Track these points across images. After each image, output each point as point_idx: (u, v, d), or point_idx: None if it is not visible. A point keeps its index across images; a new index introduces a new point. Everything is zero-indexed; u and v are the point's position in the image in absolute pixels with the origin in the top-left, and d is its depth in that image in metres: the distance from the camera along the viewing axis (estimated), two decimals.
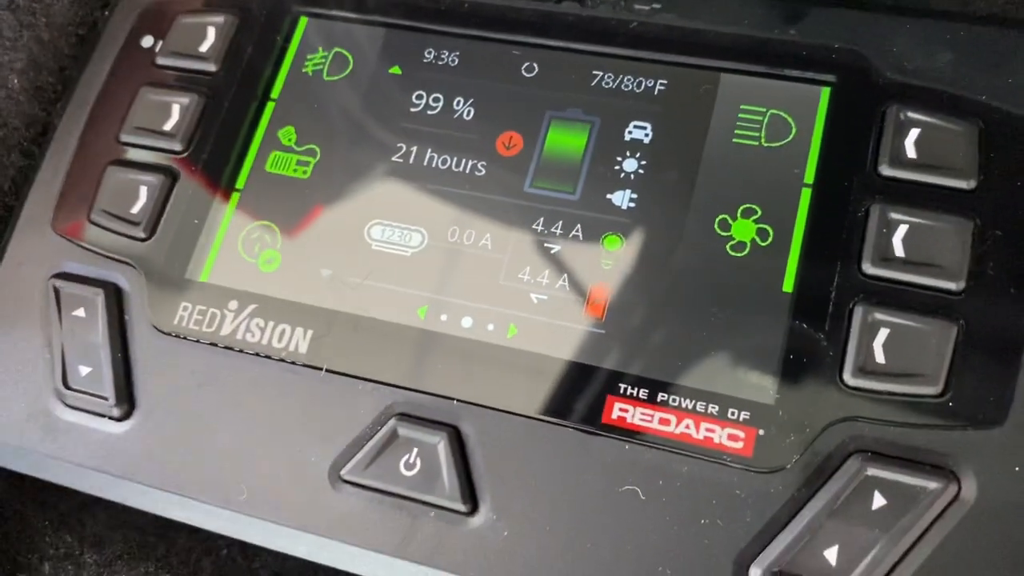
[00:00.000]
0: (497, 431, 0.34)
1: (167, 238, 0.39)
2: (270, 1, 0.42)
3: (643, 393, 0.33)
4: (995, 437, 0.31)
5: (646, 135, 0.37)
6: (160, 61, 0.42)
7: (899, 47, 0.36)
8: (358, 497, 0.34)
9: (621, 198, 0.37)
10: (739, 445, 0.32)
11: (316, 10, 0.42)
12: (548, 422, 0.34)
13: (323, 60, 0.41)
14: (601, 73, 0.39)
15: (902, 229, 0.33)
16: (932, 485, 0.30)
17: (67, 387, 0.37)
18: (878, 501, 0.31)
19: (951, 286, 0.32)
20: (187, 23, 0.42)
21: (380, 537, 0.33)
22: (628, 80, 0.38)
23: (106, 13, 0.44)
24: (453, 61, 0.40)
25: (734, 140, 0.37)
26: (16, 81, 0.42)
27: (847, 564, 0.30)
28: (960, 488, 0.30)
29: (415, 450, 0.34)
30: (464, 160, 0.38)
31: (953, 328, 0.32)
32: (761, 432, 0.32)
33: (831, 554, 0.30)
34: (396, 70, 0.41)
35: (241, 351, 0.37)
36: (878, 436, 0.31)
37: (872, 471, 0.31)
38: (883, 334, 0.32)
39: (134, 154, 0.40)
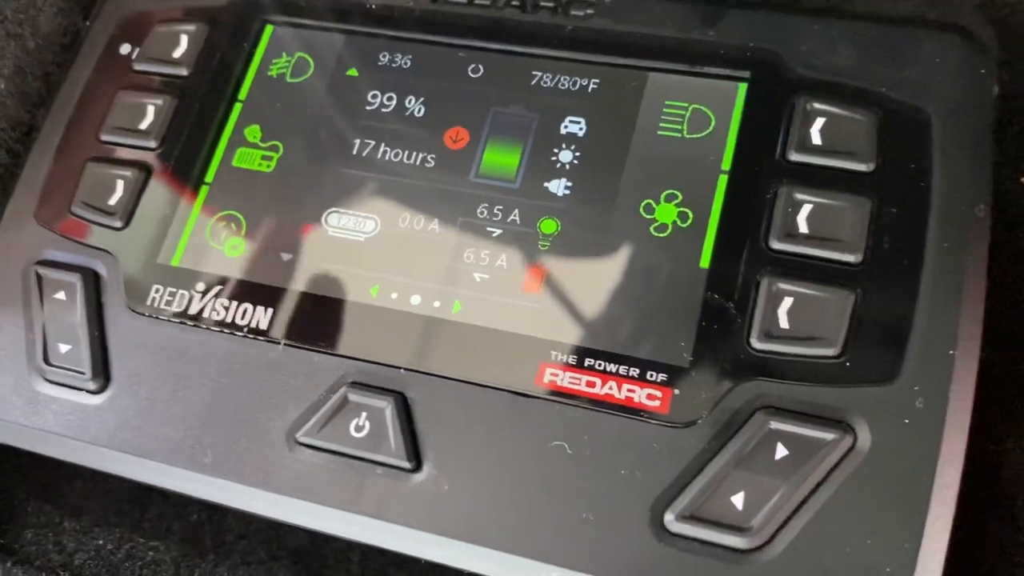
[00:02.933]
0: (440, 396, 0.37)
1: (141, 227, 0.42)
2: (239, 10, 0.46)
3: (572, 359, 0.37)
4: (887, 393, 0.34)
5: (580, 129, 0.41)
6: (137, 67, 0.45)
7: (808, 45, 0.39)
8: (313, 458, 0.37)
9: (557, 186, 0.40)
10: (656, 404, 0.35)
11: (281, 18, 0.45)
12: (487, 387, 0.37)
13: (287, 64, 0.45)
14: (540, 73, 0.42)
15: (806, 208, 0.37)
16: (829, 436, 0.33)
17: (48, 363, 0.40)
18: (780, 452, 0.34)
19: (850, 258, 0.36)
20: (162, 31, 0.45)
21: (333, 494, 0.36)
22: (564, 79, 0.42)
23: (88, 23, 0.48)
24: (406, 63, 0.44)
25: (659, 132, 0.40)
26: (3, 86, 0.45)
27: (752, 508, 0.33)
28: (855, 439, 0.33)
29: (364, 414, 0.37)
30: (414, 153, 0.42)
31: (851, 296, 0.35)
32: (676, 392, 0.35)
33: (738, 500, 0.33)
34: (353, 72, 0.44)
35: (208, 328, 0.40)
36: (782, 394, 0.34)
37: (775, 424, 0.34)
38: (787, 302, 0.35)
39: (112, 151, 0.44)
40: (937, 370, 0.34)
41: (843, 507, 0.33)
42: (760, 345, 0.35)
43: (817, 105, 0.38)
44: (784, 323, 0.35)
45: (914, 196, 0.36)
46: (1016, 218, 0.42)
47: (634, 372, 0.36)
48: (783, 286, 0.36)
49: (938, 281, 0.35)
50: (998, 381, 0.39)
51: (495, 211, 0.40)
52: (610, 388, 0.36)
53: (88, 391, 0.40)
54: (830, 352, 0.34)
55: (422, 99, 0.43)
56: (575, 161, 0.40)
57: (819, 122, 0.38)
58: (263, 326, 0.39)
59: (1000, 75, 0.38)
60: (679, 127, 0.40)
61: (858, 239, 0.36)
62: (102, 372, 0.40)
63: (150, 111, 0.44)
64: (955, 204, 0.36)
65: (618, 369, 0.36)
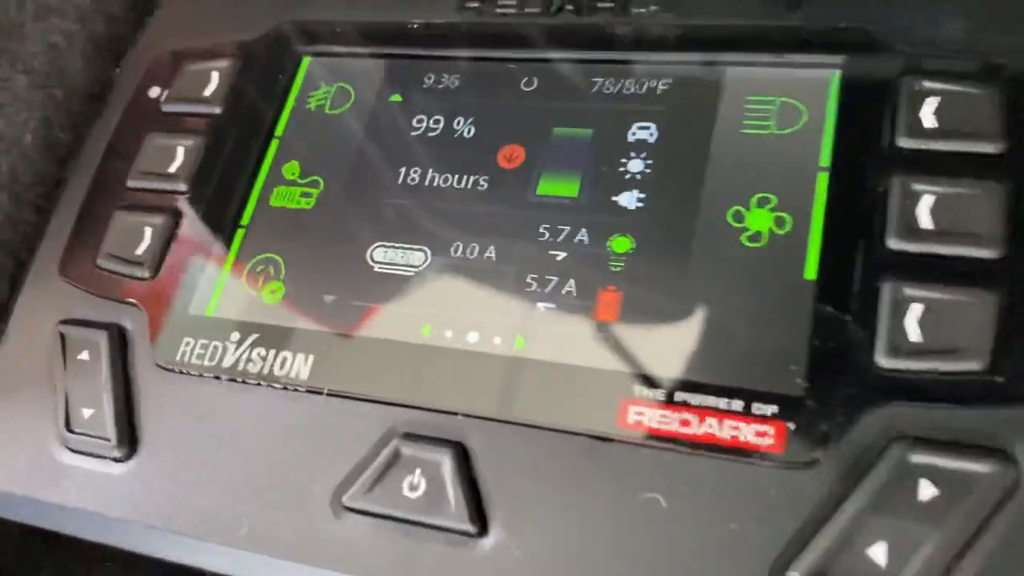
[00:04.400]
0: (506, 445, 0.31)
1: (171, 276, 0.38)
2: (274, 43, 0.42)
3: (661, 395, 0.31)
4: None
5: (651, 135, 0.36)
6: (166, 108, 0.42)
7: (906, 19, 0.34)
8: (362, 524, 0.32)
9: (628, 199, 0.35)
10: (768, 442, 0.29)
11: (318, 48, 0.42)
12: (560, 432, 0.31)
13: (326, 95, 0.41)
14: (601, 79, 0.38)
15: (928, 200, 0.31)
16: (986, 469, 0.27)
17: (70, 431, 0.36)
18: (926, 491, 0.27)
19: (987, 254, 0.30)
20: (192, 70, 0.42)
21: (385, 566, 0.31)
22: (629, 83, 0.37)
23: (118, 70, 0.45)
24: (453, 83, 0.40)
25: (742, 131, 0.35)
26: (29, 139, 0.42)
27: (897, 563, 0.27)
28: (1020, 471, 0.27)
29: (418, 470, 0.32)
30: (465, 176, 0.37)
31: (994, 297, 0.29)
32: (791, 426, 0.29)
33: (878, 553, 0.27)
34: (397, 98, 0.40)
35: (243, 381, 0.35)
36: (920, 420, 0.28)
37: (916, 458, 0.28)
38: (916, 310, 0.29)
39: (140, 198, 0.40)
40: None
41: (1011, 556, 0.26)
42: (888, 363, 0.29)
43: (927, 84, 0.33)
44: (915, 335, 0.29)
45: None
46: None
47: (737, 406, 0.30)
48: (910, 291, 0.30)
49: None
50: None
51: (558, 231, 0.35)
52: (710, 426, 0.30)
53: (113, 459, 0.36)
54: (976, 366, 0.28)
55: (472, 119, 0.39)
56: (647, 170, 0.35)
57: (931, 103, 0.32)
58: (304, 376, 0.35)
59: None
60: (767, 123, 0.35)
61: (995, 230, 0.30)
62: (127, 438, 0.36)
63: (179, 153, 0.40)
64: None
65: (718, 403, 0.30)
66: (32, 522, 0.36)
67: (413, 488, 0.31)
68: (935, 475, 0.27)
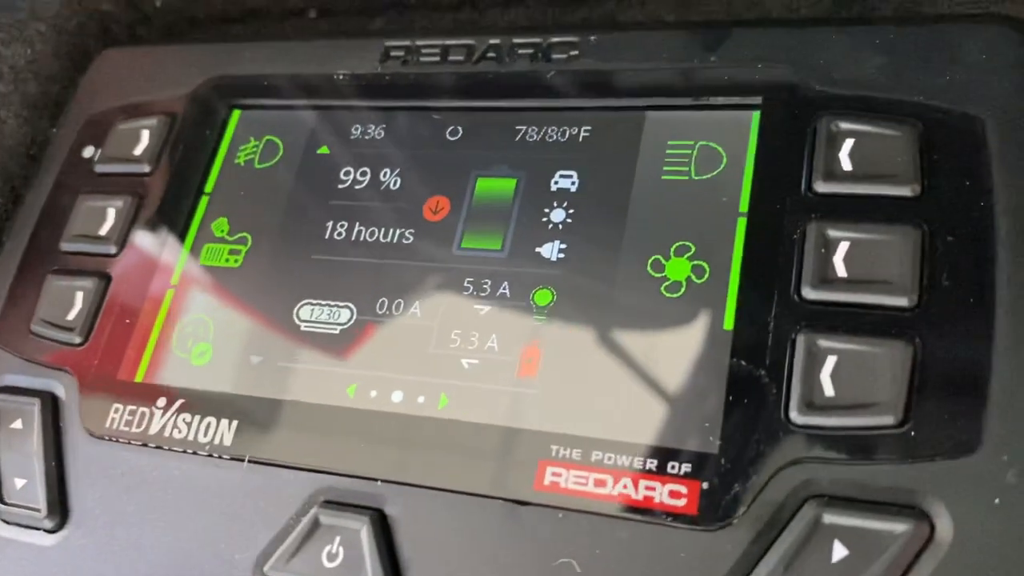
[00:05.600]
0: (423, 511, 0.31)
1: (101, 341, 0.38)
2: (203, 98, 0.42)
3: (576, 454, 0.31)
4: (968, 466, 0.27)
5: (572, 183, 0.36)
6: (99, 169, 0.42)
7: (826, 59, 0.34)
8: None
9: (550, 250, 0.35)
10: (681, 503, 0.29)
11: (247, 101, 0.42)
12: (478, 496, 0.31)
13: (255, 149, 0.41)
14: (524, 127, 0.37)
15: (843, 247, 0.30)
16: (900, 527, 0.26)
17: (3, 502, 0.36)
18: (839, 552, 0.27)
19: (902, 302, 0.29)
20: (123, 129, 0.42)
21: None
22: (552, 131, 0.37)
23: (55, 130, 0.45)
24: (379, 134, 0.39)
25: (663, 177, 0.34)
26: None
27: None
28: (933, 528, 0.27)
29: (337, 538, 0.31)
30: (391, 230, 0.37)
31: (908, 348, 0.28)
32: (704, 485, 0.29)
33: None
34: (324, 150, 0.40)
35: (169, 448, 0.35)
36: (834, 478, 0.28)
37: (829, 518, 0.27)
38: (830, 363, 0.29)
39: (72, 261, 0.40)
40: None
41: None
42: (801, 419, 0.29)
43: (843, 124, 0.32)
44: (828, 389, 0.29)
45: (974, 219, 0.30)
46: None
47: (652, 465, 0.30)
48: (823, 343, 0.29)
49: (1017, 319, 0.28)
50: None
51: (482, 285, 0.35)
52: (624, 487, 0.30)
53: (44, 530, 0.35)
54: (889, 420, 0.28)
55: (398, 170, 0.38)
56: (568, 220, 0.35)
57: (848, 144, 0.32)
58: (227, 442, 0.34)
59: None
60: (686, 168, 0.34)
61: (909, 277, 0.29)
62: (59, 508, 0.35)
63: (110, 214, 0.40)
64: None
65: (632, 462, 0.30)
66: None
67: (331, 557, 0.31)
68: (847, 535, 0.27)
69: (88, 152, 0.43)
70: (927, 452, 0.27)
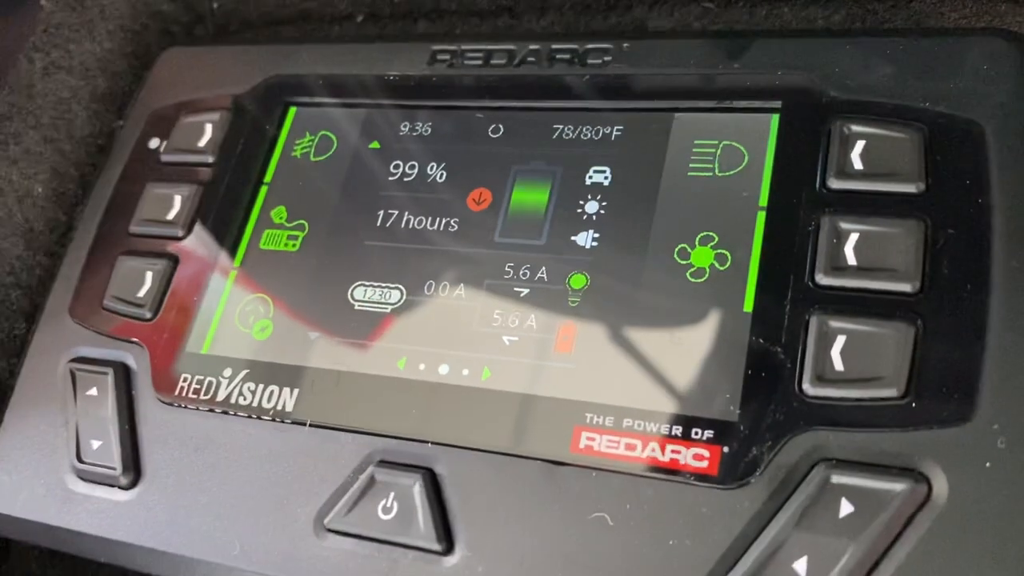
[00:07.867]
0: (470, 470, 0.34)
1: (169, 316, 0.42)
2: (262, 96, 0.46)
3: (609, 421, 0.34)
4: (962, 434, 0.30)
5: (605, 178, 0.39)
6: (164, 159, 0.45)
7: (840, 66, 0.37)
8: (342, 544, 0.35)
9: (585, 239, 0.38)
10: (704, 464, 0.32)
11: (303, 99, 0.45)
12: (519, 457, 0.34)
13: (310, 144, 0.44)
14: (561, 126, 0.40)
15: (853, 238, 0.33)
16: (900, 487, 0.30)
17: (80, 461, 0.40)
18: (845, 508, 0.30)
19: (906, 288, 0.32)
20: (187, 122, 0.46)
21: None
22: (587, 129, 0.40)
23: (121, 123, 0.48)
24: (426, 131, 0.43)
25: (689, 174, 0.38)
26: (40, 190, 0.46)
27: (818, 575, 0.29)
28: (930, 489, 0.30)
29: (391, 494, 0.35)
30: (438, 219, 0.40)
31: (911, 329, 0.31)
32: (725, 449, 0.32)
33: (801, 566, 0.30)
34: (375, 145, 0.43)
35: (235, 414, 0.38)
36: (842, 443, 0.31)
37: (837, 478, 0.30)
38: (840, 341, 0.32)
39: (141, 244, 0.44)
40: (1018, 404, 0.30)
41: (923, 566, 0.29)
42: (813, 391, 0.32)
43: (855, 127, 0.35)
44: (838, 365, 0.32)
45: (972, 214, 0.33)
46: None
47: (677, 431, 0.33)
48: (834, 324, 0.32)
49: (1010, 304, 0.31)
50: None
51: (522, 270, 0.38)
52: (652, 450, 0.33)
53: (119, 487, 0.39)
54: (892, 393, 0.31)
55: (444, 164, 0.42)
56: (602, 211, 0.38)
57: (859, 145, 0.35)
58: (289, 408, 0.38)
59: None
60: (710, 166, 0.37)
61: (913, 266, 0.32)
62: (132, 467, 0.39)
63: (177, 201, 0.44)
64: (1020, 219, 0.32)
65: (660, 428, 0.33)
66: (47, 545, 0.40)
67: (387, 511, 0.34)
68: (853, 493, 0.30)
69: (154, 143, 0.46)
70: (926, 421, 0.30)
